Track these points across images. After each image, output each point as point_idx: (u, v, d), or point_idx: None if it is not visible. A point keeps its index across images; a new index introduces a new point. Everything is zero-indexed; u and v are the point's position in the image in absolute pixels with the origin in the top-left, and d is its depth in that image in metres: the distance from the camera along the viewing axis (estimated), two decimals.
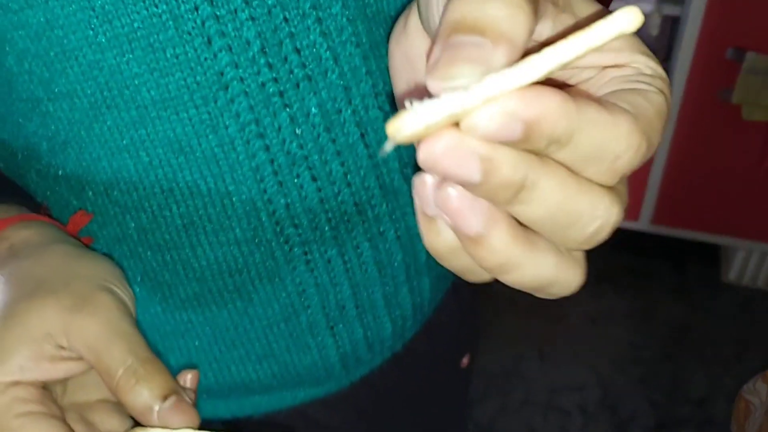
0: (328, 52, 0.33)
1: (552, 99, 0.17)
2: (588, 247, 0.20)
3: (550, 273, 0.20)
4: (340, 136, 0.34)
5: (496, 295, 1.64)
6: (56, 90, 0.31)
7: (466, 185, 0.17)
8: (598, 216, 0.19)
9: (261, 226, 0.35)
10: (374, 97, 0.35)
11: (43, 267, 0.30)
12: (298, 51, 0.32)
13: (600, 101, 0.19)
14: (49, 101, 0.31)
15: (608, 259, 1.76)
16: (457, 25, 0.18)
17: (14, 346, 0.28)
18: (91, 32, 0.29)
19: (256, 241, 0.35)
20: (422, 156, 0.17)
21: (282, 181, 0.34)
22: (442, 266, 0.37)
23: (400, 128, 0.17)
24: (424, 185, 0.19)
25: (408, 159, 0.38)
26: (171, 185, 0.33)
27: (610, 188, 0.19)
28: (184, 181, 0.33)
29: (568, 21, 0.21)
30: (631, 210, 1.72)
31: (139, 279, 0.36)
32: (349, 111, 0.34)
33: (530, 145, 0.17)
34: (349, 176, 0.36)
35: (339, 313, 0.39)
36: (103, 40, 0.30)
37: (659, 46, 1.57)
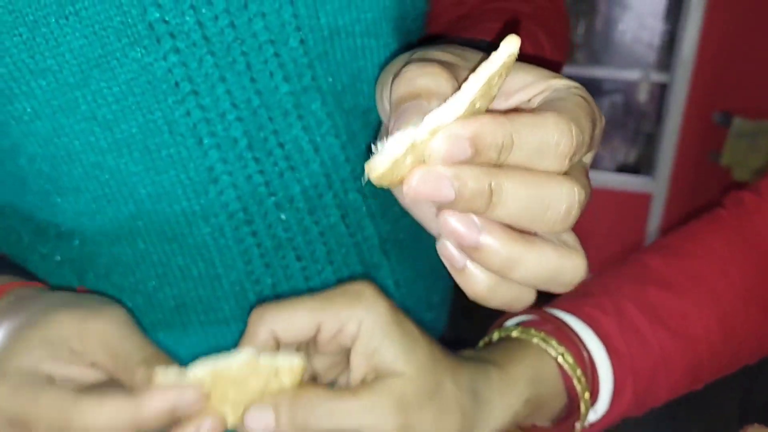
0: (309, 144, 0.36)
1: (484, 117, 0.21)
2: (566, 227, 0.22)
3: (554, 262, 0.22)
4: (322, 218, 0.37)
5: None
6: (63, 186, 0.34)
7: (448, 205, 0.21)
8: (564, 197, 0.22)
9: (248, 305, 0.37)
10: (353, 181, 0.37)
11: (54, 297, 0.32)
12: (281, 145, 0.35)
13: (527, 111, 0.22)
14: (57, 195, 0.34)
15: None
16: (400, 99, 0.23)
17: (34, 345, 0.29)
18: (93, 138, 0.32)
19: (244, 318, 0.37)
20: (406, 193, 0.20)
21: (268, 262, 0.36)
22: None
23: (374, 167, 0.20)
24: (446, 247, 0.22)
25: (387, 235, 0.40)
26: (165, 270, 0.35)
27: (566, 174, 0.22)
28: (176, 266, 0.35)
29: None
30: None
31: None
32: (329, 195, 0.37)
33: (484, 157, 0.20)
34: (331, 255, 0.38)
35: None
36: (104, 144, 0.32)
37: (649, 111, 1.62)
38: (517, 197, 0.21)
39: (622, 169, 1.65)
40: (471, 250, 0.22)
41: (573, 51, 1.56)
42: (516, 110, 0.25)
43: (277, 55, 0.36)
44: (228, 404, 0.27)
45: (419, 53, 0.28)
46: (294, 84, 0.36)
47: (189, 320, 0.37)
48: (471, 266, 0.23)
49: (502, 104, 0.26)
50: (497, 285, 0.23)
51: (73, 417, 0.27)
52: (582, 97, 0.24)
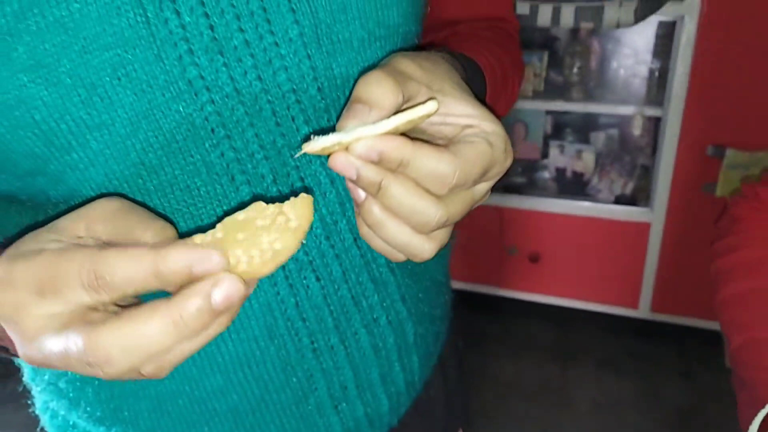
0: (326, 178, 0.40)
1: (396, 140, 0.30)
2: (428, 231, 0.33)
3: (405, 238, 0.33)
4: (337, 242, 0.41)
5: (502, 380, 1.65)
6: None
7: (352, 182, 0.32)
8: (429, 210, 0.32)
9: (275, 323, 0.41)
10: None
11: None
12: (302, 179, 0.39)
13: (437, 146, 0.32)
14: None
15: (611, 345, 1.78)
16: (354, 98, 0.32)
17: (42, 235, 0.31)
18: (141, 181, 0.37)
19: (271, 335, 0.41)
20: (329, 164, 0.31)
21: (292, 284, 0.40)
22: (427, 345, 0.42)
23: (308, 147, 0.31)
24: (356, 190, 0.33)
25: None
26: None
27: (441, 197, 0.32)
28: None
29: (441, 100, 0.34)
30: (630, 298, 1.76)
31: (169, 374, 0.42)
32: (344, 221, 0.41)
33: (386, 165, 0.31)
34: (346, 274, 0.42)
35: (342, 393, 0.44)
36: (151, 186, 0.37)
37: (643, 145, 1.66)
38: (397, 197, 0.31)
39: (620, 200, 1.68)
40: (359, 205, 0.33)
41: (569, 88, 1.61)
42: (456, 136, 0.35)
43: (298, 102, 0.40)
44: (239, 247, 0.29)
45: (394, 58, 0.36)
46: (313, 125, 0.41)
47: (222, 339, 0.41)
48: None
49: (440, 120, 0.35)
50: (372, 234, 0.34)
51: (99, 267, 0.28)
52: (491, 144, 0.33)
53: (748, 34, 1.33)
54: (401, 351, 0.47)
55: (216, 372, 0.42)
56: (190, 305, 0.28)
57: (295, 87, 0.40)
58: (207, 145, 0.39)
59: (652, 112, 1.55)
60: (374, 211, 0.33)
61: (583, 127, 1.75)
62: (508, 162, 0.34)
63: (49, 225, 0.33)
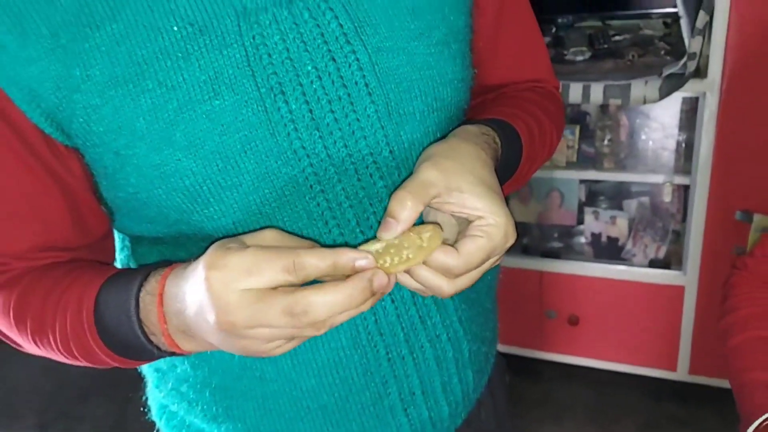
0: None
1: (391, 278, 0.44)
2: (447, 296, 0.46)
3: (429, 293, 0.46)
4: None
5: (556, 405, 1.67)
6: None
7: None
8: (444, 288, 0.45)
9: (358, 335, 0.51)
10: None
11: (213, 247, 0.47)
12: (378, 222, 0.51)
13: (448, 247, 0.44)
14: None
15: (651, 408, 1.79)
16: (387, 214, 0.44)
17: (234, 272, 0.42)
18: (258, 227, 0.49)
19: (355, 345, 0.51)
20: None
21: None
22: (480, 362, 0.53)
23: (362, 246, 0.44)
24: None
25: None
26: None
27: (453, 279, 0.45)
28: None
29: (455, 197, 0.46)
30: (668, 360, 1.78)
31: (272, 377, 0.52)
32: None
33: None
34: (414, 297, 0.52)
35: (410, 398, 0.54)
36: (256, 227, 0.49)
37: (674, 211, 1.73)
38: (421, 277, 0.45)
39: (654, 263, 1.74)
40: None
41: (601, 159, 1.71)
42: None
43: (375, 162, 0.52)
44: (388, 255, 0.43)
45: (421, 167, 0.48)
46: (386, 180, 0.53)
47: (316, 347, 0.52)
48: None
49: (458, 209, 0.46)
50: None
51: (297, 258, 0.41)
52: (491, 238, 0.45)
53: (766, 105, 1.42)
54: (458, 364, 0.57)
55: (311, 375, 0.52)
56: (359, 284, 0.41)
57: (372, 151, 0.52)
58: (307, 197, 0.51)
59: (680, 180, 1.63)
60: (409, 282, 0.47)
61: (616, 195, 1.83)
62: (509, 244, 0.47)
63: (234, 238, 0.45)
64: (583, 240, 1.85)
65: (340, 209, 0.52)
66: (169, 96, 0.47)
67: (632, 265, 1.77)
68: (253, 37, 0.48)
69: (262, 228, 0.47)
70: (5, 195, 0.53)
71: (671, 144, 1.68)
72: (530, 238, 1.92)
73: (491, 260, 0.47)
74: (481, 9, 0.61)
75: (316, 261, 0.41)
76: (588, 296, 1.82)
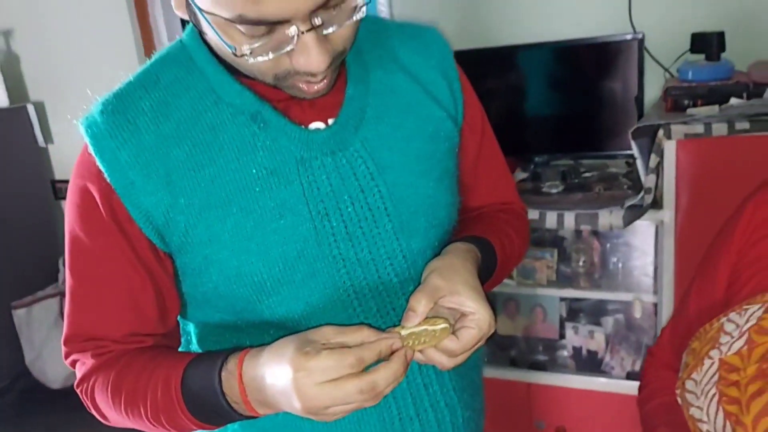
0: (406, 304, 0.68)
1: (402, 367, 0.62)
2: (448, 369, 0.66)
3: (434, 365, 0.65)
4: None
5: None
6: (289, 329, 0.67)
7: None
8: (446, 363, 0.65)
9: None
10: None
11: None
12: (393, 309, 0.68)
13: (452, 336, 0.64)
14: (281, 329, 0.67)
15: None
16: (408, 308, 0.65)
17: (310, 339, 0.61)
18: (305, 314, 0.68)
19: (375, 408, 0.67)
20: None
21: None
22: (471, 428, 0.72)
23: (388, 330, 0.64)
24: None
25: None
26: None
27: (455, 356, 0.64)
28: None
29: (455, 298, 0.64)
30: None
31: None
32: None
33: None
34: (420, 369, 0.69)
35: None
36: (312, 318, 0.67)
37: (646, 327, 1.89)
38: (429, 356, 0.64)
39: (631, 376, 1.87)
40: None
41: (577, 278, 1.90)
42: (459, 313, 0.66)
43: (391, 264, 0.70)
44: (410, 340, 0.60)
45: (430, 276, 0.66)
46: (400, 278, 0.71)
47: None
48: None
49: (456, 306, 0.64)
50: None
51: (359, 353, 0.58)
52: (480, 329, 0.63)
53: (714, 230, 1.62)
54: (454, 427, 0.72)
55: (339, 430, 0.67)
56: (400, 361, 0.61)
57: (389, 257, 0.70)
58: (341, 290, 0.69)
59: (648, 298, 1.81)
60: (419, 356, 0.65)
61: (595, 312, 2.00)
62: (491, 331, 0.66)
63: (303, 334, 0.61)
64: (565, 353, 1.99)
65: (365, 299, 0.69)
66: (248, 217, 0.66)
67: (611, 377, 1.90)
68: (307, 177, 0.68)
69: (320, 325, 0.63)
70: (115, 291, 0.70)
71: (640, 264, 1.87)
72: (517, 351, 2.05)
73: (480, 343, 0.64)
74: (465, 153, 0.82)
75: (369, 354, 0.58)
76: (574, 407, 1.93)
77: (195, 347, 0.79)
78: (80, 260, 0.70)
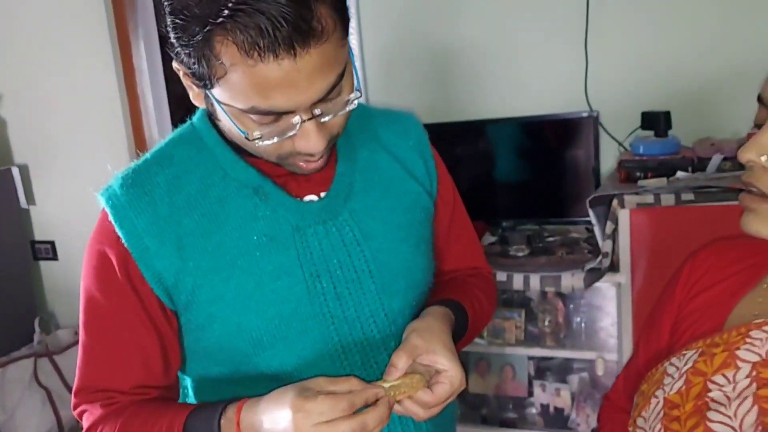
0: (388, 359, 0.75)
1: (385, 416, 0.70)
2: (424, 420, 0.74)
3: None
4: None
5: None
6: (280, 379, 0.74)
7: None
8: (421, 415, 0.73)
9: None
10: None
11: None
12: (377, 363, 0.77)
13: (428, 390, 0.72)
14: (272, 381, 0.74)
15: None
16: (391, 364, 0.72)
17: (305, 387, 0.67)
18: (297, 367, 0.76)
19: None
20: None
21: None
22: None
23: (374, 383, 0.71)
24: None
25: None
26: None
27: (427, 409, 0.72)
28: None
29: (431, 356, 0.72)
30: None
31: None
32: None
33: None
34: (399, 420, 0.77)
35: None
36: (305, 370, 0.75)
37: (609, 385, 1.98)
38: (407, 407, 0.72)
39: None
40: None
41: (544, 338, 1.99)
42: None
43: (374, 321, 0.79)
44: (392, 390, 0.68)
45: (410, 336, 0.73)
46: (382, 334, 0.79)
47: None
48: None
49: (431, 363, 0.72)
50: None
51: (350, 399, 0.65)
52: (452, 385, 0.71)
53: None
54: None
55: None
56: (385, 407, 0.68)
57: (372, 314, 0.79)
58: (329, 345, 0.77)
59: (610, 356, 1.90)
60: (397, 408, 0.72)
61: (561, 370, 2.08)
62: (462, 387, 0.73)
63: (300, 383, 0.68)
64: (534, 410, 2.06)
65: (351, 354, 0.78)
66: (249, 279, 0.75)
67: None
68: (302, 243, 0.77)
69: (315, 376, 0.69)
70: (125, 346, 0.77)
71: (602, 325, 1.97)
72: (488, 409, 2.11)
73: (452, 398, 0.72)
74: (439, 222, 0.93)
75: (359, 400, 0.66)
76: None
77: (192, 400, 0.85)
78: (95, 318, 0.77)
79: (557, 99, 2.15)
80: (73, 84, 2.62)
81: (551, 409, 2.03)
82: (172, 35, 0.64)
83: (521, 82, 2.20)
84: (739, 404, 0.66)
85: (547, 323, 1.98)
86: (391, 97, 2.35)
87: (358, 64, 2.34)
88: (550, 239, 2.07)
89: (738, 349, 0.70)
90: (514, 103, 2.21)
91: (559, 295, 1.97)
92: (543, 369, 2.10)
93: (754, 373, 0.67)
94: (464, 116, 2.24)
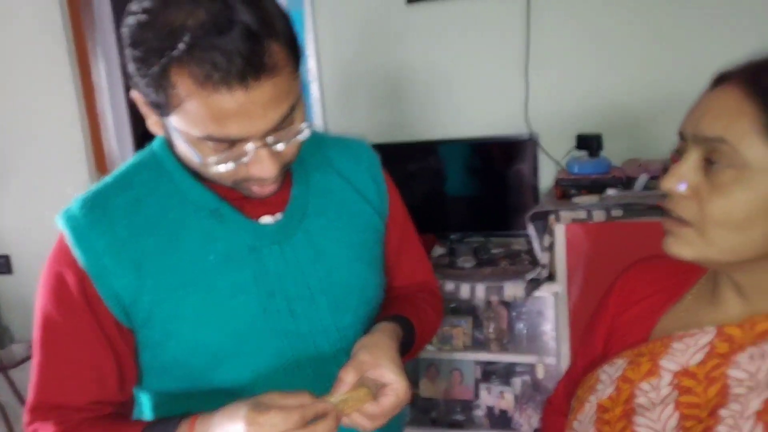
0: (334, 379, 0.75)
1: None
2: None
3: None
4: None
5: None
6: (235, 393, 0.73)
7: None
8: (367, 426, 0.72)
9: None
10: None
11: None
12: (328, 377, 0.76)
13: (375, 401, 0.71)
14: (229, 396, 0.73)
15: None
16: (337, 380, 0.73)
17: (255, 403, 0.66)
18: (253, 379, 0.75)
19: None
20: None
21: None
22: None
23: (323, 397, 0.71)
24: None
25: None
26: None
27: (377, 420, 0.72)
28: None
29: (378, 370, 0.72)
30: None
31: None
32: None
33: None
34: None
35: None
36: (261, 384, 0.74)
37: (550, 387, 2.02)
38: (353, 419, 0.71)
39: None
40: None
41: (489, 343, 2.02)
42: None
43: (327, 338, 0.79)
44: (341, 404, 0.67)
45: (358, 352, 0.73)
46: (333, 348, 0.80)
47: None
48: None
49: (379, 377, 0.71)
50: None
51: (303, 412, 0.64)
52: (398, 397, 0.71)
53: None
54: None
55: None
56: (333, 420, 0.67)
57: (325, 330, 0.79)
58: (283, 359, 0.76)
59: (550, 361, 1.94)
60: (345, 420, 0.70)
61: (505, 373, 2.12)
62: (408, 398, 0.73)
63: (254, 398, 0.67)
64: (480, 413, 2.09)
65: (303, 368, 0.77)
66: (206, 297, 0.74)
67: None
68: (257, 262, 0.77)
69: (269, 390, 0.69)
70: (81, 363, 0.75)
71: (542, 331, 2.01)
72: (437, 412, 2.13)
73: (398, 409, 0.73)
74: (389, 241, 0.94)
75: (309, 413, 0.66)
76: None
77: (147, 416, 0.83)
78: (50, 335, 0.75)
79: (501, 122, 2.21)
80: (32, 101, 2.53)
81: (496, 410, 2.06)
82: (130, 66, 0.64)
83: (468, 105, 2.24)
84: (662, 410, 0.69)
85: (492, 330, 2.01)
86: (348, 117, 2.36)
87: (315, 86, 2.34)
88: (495, 251, 2.11)
89: (661, 358, 0.73)
90: (462, 124, 2.25)
91: (503, 303, 2.00)
92: (489, 373, 2.13)
93: (675, 381, 0.70)
94: (417, 137, 2.27)
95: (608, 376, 0.78)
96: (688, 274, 0.82)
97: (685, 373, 0.70)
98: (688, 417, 0.66)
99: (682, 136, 0.70)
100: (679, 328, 0.76)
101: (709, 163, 0.65)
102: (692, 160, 0.67)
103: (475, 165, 2.21)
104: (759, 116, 0.61)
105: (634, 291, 0.88)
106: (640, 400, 0.72)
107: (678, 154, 0.71)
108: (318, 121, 2.34)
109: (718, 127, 0.64)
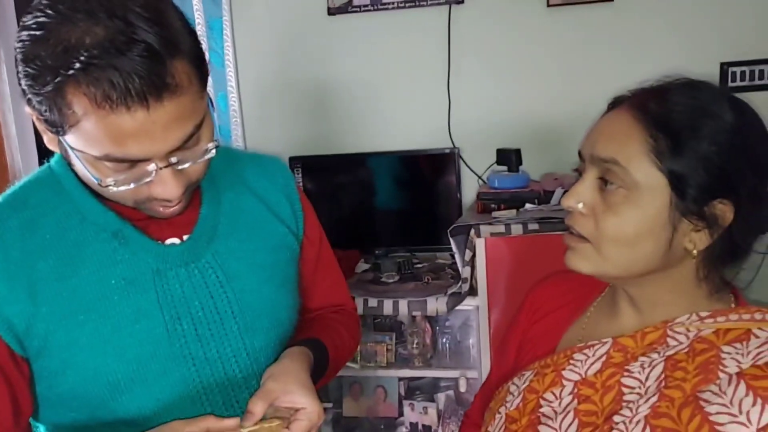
0: (244, 404, 0.75)
1: None
2: None
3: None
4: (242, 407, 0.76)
5: None
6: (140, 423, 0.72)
7: None
8: None
9: None
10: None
11: None
12: (237, 402, 0.77)
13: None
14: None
15: None
16: (247, 410, 0.73)
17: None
18: (159, 409, 0.74)
19: None
20: None
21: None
22: None
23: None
24: None
25: None
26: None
27: None
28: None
29: (289, 397, 0.73)
30: None
31: None
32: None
33: None
34: None
35: None
36: (165, 414, 0.73)
37: (472, 400, 2.07)
38: None
39: None
40: None
41: (413, 359, 2.06)
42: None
43: (236, 361, 0.80)
44: None
45: (266, 382, 0.73)
46: (244, 373, 0.80)
47: None
48: None
49: (290, 404, 0.73)
50: None
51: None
52: (311, 421, 0.72)
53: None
54: None
55: None
56: None
57: (234, 354, 0.79)
58: (190, 386, 0.76)
59: (472, 374, 2.00)
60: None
61: (429, 388, 2.16)
62: (321, 421, 0.75)
63: (155, 429, 0.68)
64: (404, 429, 2.11)
65: (212, 394, 0.77)
66: (106, 323, 0.73)
67: None
68: (162, 286, 0.76)
69: (174, 419, 0.69)
70: None
71: (465, 345, 2.07)
72: (361, 430, 2.14)
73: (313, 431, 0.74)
74: (305, 261, 0.94)
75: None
76: None
77: None
78: None
79: (425, 135, 2.27)
80: None
81: (420, 426, 2.10)
82: (23, 82, 0.62)
83: (393, 118, 2.29)
84: (563, 418, 0.74)
85: (415, 345, 2.04)
86: (267, 129, 2.35)
87: (234, 96, 2.32)
88: (419, 266, 2.15)
89: (564, 369, 0.78)
90: (387, 137, 2.29)
91: (427, 318, 2.04)
92: (413, 389, 2.16)
93: (575, 390, 0.75)
94: (344, 149, 2.29)
95: (517, 388, 0.83)
96: (592, 288, 0.88)
97: (584, 382, 0.75)
98: (587, 424, 0.71)
99: (581, 156, 0.75)
100: (582, 340, 0.81)
101: (604, 183, 0.71)
102: (589, 180, 0.72)
103: (400, 178, 2.26)
104: (646, 140, 0.67)
105: (543, 305, 0.93)
106: (545, 409, 0.76)
107: (578, 173, 0.76)
108: (237, 134, 2.32)
109: (611, 149, 0.70)
